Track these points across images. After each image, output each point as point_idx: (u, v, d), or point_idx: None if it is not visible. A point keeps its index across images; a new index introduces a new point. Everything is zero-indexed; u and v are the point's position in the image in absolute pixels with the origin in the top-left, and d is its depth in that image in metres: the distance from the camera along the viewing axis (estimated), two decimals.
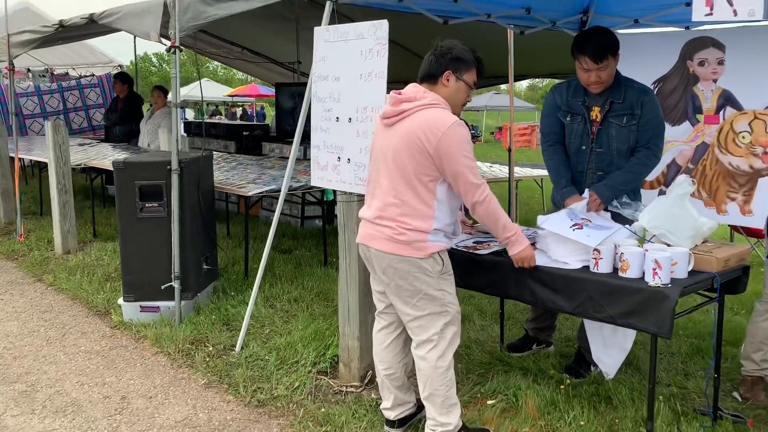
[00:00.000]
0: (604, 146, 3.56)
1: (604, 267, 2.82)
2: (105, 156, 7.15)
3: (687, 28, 5.05)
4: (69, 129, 11.14)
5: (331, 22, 3.83)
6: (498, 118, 34.52)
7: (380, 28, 3.31)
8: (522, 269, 2.99)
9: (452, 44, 2.83)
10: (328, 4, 3.88)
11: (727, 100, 4.77)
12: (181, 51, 4.26)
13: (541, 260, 2.99)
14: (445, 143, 2.68)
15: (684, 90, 4.95)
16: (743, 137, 4.74)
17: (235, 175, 5.45)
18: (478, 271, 3.17)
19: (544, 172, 8.23)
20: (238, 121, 18.42)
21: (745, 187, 4.81)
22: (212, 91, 30.14)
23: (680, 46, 4.88)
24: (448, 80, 2.82)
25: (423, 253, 2.79)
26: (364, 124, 3.43)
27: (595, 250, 2.83)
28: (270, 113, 34.29)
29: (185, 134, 10.49)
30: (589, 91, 3.54)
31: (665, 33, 5.02)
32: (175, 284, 4.42)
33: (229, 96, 30.48)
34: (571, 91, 3.62)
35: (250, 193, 4.75)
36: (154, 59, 46.01)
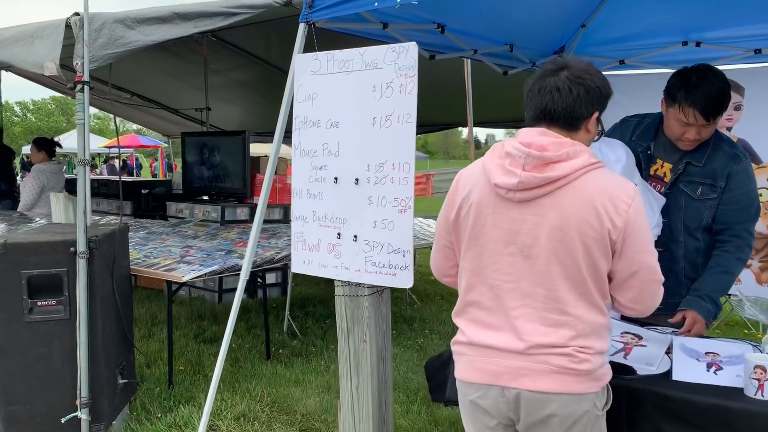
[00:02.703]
0: (670, 218, 2.70)
1: None
2: None
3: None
4: None
5: (308, 49, 2.85)
6: None
7: (405, 54, 2.36)
8: (640, 395, 2.08)
9: (591, 69, 1.88)
10: (302, 26, 2.91)
11: None
12: (91, 88, 3.08)
13: (684, 373, 2.14)
14: (634, 221, 1.76)
15: None
16: (760, 195, 4.19)
17: (153, 251, 4.20)
18: None
19: None
20: (124, 177, 16.61)
21: (762, 253, 4.24)
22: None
23: None
24: (590, 126, 1.87)
25: (601, 385, 1.86)
26: (381, 187, 2.43)
27: (757, 367, 1.98)
28: (145, 164, 31.98)
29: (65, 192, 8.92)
30: (662, 138, 2.71)
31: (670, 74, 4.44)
32: (82, 414, 3.12)
33: (106, 147, 28.08)
34: (638, 131, 2.77)
35: (185, 278, 3.55)
36: (16, 108, 42.11)
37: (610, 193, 1.77)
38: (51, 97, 44.56)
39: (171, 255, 4.06)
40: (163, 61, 7.18)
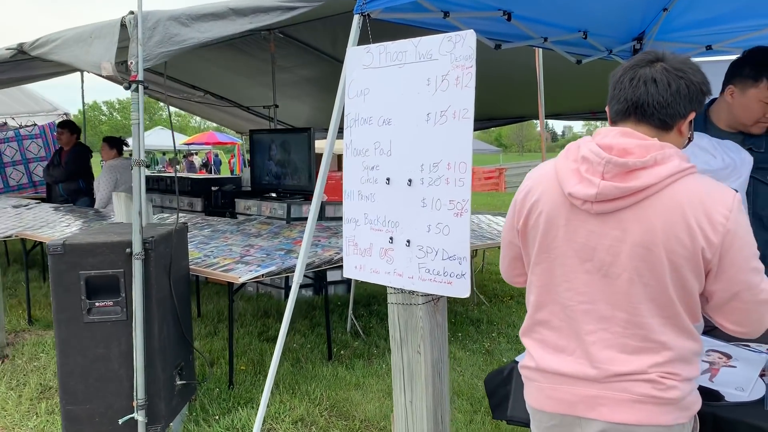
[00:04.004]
0: (749, 211, 2.54)
1: None
2: (44, 222, 5.79)
3: None
4: (5, 185, 9.75)
5: (361, 41, 2.70)
6: None
7: (462, 43, 2.18)
8: (729, 426, 1.83)
9: (691, 63, 1.64)
10: (356, 17, 2.76)
11: None
12: (146, 87, 3.05)
13: None
14: (733, 236, 1.52)
15: None
16: None
17: (214, 250, 4.18)
18: None
19: None
20: (198, 174, 17.06)
21: None
22: (166, 139, 28.75)
23: None
24: (683, 128, 1.64)
25: (689, 415, 1.65)
26: (436, 188, 2.26)
27: None
28: (224, 160, 32.88)
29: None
30: (711, 129, 2.55)
31: None
32: (138, 416, 3.11)
33: (185, 144, 29.08)
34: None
35: (241, 279, 3.50)
36: (104, 107, 44.19)
37: (705, 204, 1.52)
38: None
39: (231, 255, 4.02)
40: (232, 59, 7.26)
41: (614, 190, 1.54)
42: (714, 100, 2.62)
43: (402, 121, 2.35)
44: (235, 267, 3.70)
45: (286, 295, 6.69)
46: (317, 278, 6.33)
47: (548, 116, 8.12)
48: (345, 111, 2.55)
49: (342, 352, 4.81)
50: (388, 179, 2.41)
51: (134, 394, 3.11)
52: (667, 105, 1.59)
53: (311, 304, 6.29)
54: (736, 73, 2.45)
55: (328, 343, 4.72)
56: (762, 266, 1.57)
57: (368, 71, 2.46)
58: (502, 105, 7.80)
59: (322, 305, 6.14)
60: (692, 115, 1.63)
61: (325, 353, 4.73)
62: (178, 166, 26.55)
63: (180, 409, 3.52)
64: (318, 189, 2.87)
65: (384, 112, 2.41)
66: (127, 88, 3.02)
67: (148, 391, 3.14)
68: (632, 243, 1.55)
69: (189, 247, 4.15)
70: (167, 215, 6.57)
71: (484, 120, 9.14)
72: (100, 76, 3.25)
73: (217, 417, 3.64)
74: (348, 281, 6.95)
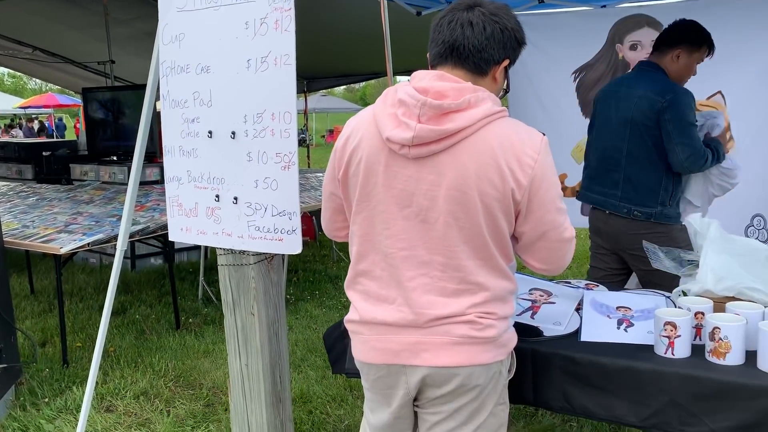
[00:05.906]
0: None
1: (682, 350, 1.82)
2: None
3: (603, 7, 4.32)
4: None
5: None
6: (327, 120, 33.81)
7: None
8: (546, 359, 1.90)
9: (507, 10, 1.62)
10: None
11: None
12: None
13: (593, 332, 1.99)
14: (540, 178, 1.55)
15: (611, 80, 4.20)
16: None
17: (36, 220, 3.79)
18: None
19: None
20: (36, 139, 15.57)
21: None
22: (1, 102, 26.04)
23: (608, 27, 4.12)
24: (498, 75, 1.64)
25: (506, 351, 1.69)
26: (261, 141, 2.13)
27: (667, 324, 1.82)
28: (70, 124, 30.37)
29: None
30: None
31: (589, 11, 4.23)
32: None
33: (21, 108, 26.45)
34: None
35: (62, 250, 3.19)
36: None
37: (514, 146, 1.54)
38: None
39: (54, 224, 3.66)
40: (63, 11, 6.63)
41: (430, 132, 1.52)
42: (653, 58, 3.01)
43: (222, 69, 2.18)
44: (56, 237, 3.37)
45: (133, 265, 6.31)
46: (166, 244, 6.00)
47: (399, 72, 8.15)
48: (160, 59, 2.34)
49: (191, 320, 4.61)
50: (210, 132, 2.24)
51: None
52: (482, 49, 1.59)
53: (161, 273, 5.97)
54: (683, 40, 2.89)
55: (175, 311, 4.50)
56: (565, 206, 1.62)
57: (182, 14, 2.26)
58: (353, 60, 7.71)
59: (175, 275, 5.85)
60: (506, 63, 1.63)
61: (172, 323, 4.51)
62: (12, 131, 24.19)
63: (2, 395, 3.20)
64: (139, 147, 2.64)
65: (202, 59, 2.22)
66: None
67: None
68: (447, 186, 1.55)
69: (5, 217, 3.75)
70: None
71: (339, 76, 9.05)
72: None
73: (47, 399, 3.35)
74: (200, 246, 6.66)
